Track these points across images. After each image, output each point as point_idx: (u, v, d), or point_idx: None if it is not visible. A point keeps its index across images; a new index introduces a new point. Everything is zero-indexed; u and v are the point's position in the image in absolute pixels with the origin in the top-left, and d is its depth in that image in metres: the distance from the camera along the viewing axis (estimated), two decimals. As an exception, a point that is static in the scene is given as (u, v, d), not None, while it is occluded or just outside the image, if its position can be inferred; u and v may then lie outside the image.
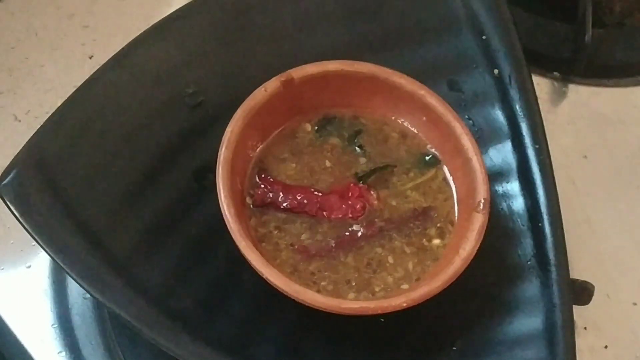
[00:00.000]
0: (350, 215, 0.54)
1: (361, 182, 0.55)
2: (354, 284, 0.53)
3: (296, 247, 0.53)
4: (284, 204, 0.54)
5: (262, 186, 0.55)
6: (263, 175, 0.55)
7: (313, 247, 0.53)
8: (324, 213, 0.54)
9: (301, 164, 0.56)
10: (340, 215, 0.54)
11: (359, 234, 0.54)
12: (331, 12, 0.62)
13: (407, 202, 0.56)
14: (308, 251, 0.53)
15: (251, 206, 0.54)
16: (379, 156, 0.57)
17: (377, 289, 0.53)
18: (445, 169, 0.57)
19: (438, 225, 0.55)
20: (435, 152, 0.57)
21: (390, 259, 0.54)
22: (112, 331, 0.58)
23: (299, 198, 0.54)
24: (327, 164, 0.57)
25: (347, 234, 0.54)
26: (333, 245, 0.53)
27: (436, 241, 0.55)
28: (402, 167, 0.57)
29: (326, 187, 0.55)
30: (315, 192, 0.55)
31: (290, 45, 0.60)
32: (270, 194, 0.54)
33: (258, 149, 0.56)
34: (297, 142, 0.57)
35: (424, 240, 0.55)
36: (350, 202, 0.54)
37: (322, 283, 0.52)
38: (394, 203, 0.56)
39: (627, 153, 0.70)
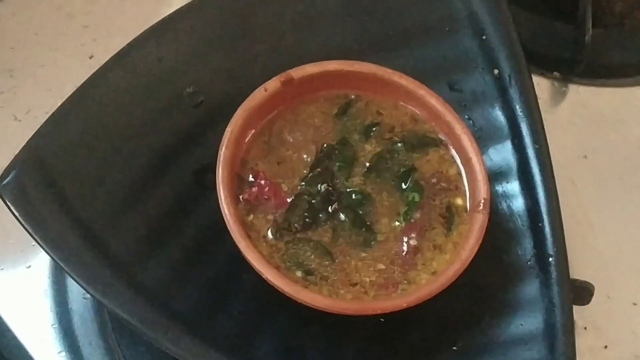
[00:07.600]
0: None
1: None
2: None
3: (375, 284, 0.52)
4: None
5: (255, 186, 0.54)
6: (251, 175, 0.54)
7: (383, 279, 0.52)
8: None
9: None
10: None
11: (411, 243, 0.53)
12: (331, 12, 0.62)
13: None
14: (386, 285, 0.52)
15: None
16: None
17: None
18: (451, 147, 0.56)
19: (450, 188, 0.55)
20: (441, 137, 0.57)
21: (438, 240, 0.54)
22: (112, 331, 0.58)
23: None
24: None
25: (401, 253, 0.53)
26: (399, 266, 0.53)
27: (459, 201, 0.55)
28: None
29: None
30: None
31: (290, 45, 0.60)
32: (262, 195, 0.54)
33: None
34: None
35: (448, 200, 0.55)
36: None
37: None
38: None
39: (627, 153, 0.70)
